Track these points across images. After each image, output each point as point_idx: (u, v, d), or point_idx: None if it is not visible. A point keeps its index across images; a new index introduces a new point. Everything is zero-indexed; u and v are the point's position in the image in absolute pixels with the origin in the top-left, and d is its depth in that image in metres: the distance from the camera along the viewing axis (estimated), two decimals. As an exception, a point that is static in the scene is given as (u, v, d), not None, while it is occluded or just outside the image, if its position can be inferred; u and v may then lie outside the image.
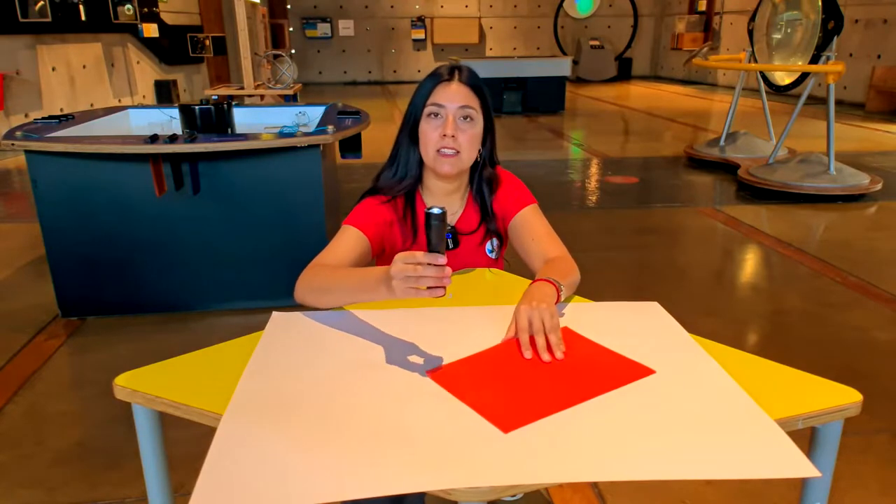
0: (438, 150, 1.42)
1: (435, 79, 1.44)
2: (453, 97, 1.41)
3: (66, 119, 3.39)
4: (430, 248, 1.02)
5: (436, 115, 1.42)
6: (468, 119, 1.43)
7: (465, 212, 1.55)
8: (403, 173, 1.49)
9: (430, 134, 1.43)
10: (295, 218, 3.10)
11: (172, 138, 2.82)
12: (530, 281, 1.44)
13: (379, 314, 1.28)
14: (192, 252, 3.10)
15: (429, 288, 1.02)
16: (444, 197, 1.53)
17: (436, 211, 1.00)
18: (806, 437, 1.00)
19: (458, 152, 1.43)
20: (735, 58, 7.37)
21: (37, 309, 3.21)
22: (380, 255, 1.50)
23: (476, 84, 1.45)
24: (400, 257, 1.03)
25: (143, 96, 10.67)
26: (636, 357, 1.10)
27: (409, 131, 1.47)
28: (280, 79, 6.41)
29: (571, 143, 8.22)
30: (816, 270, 3.73)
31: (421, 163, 1.49)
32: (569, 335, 1.17)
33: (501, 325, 1.20)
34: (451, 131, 1.40)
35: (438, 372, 1.06)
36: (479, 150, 1.49)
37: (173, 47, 10.86)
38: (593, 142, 8.09)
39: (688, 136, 8.23)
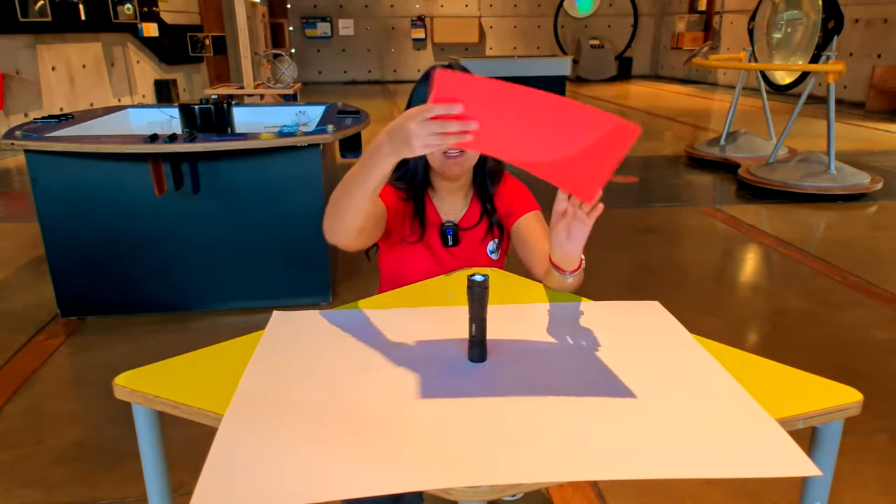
0: (445, 154, 1.44)
1: (429, 83, 1.44)
2: None
3: (65, 118, 3.39)
4: (472, 315, 1.04)
5: None
6: None
7: (469, 209, 1.57)
8: (411, 178, 1.52)
9: None
10: (295, 218, 3.10)
11: (172, 138, 2.82)
12: (531, 281, 1.44)
13: (379, 314, 1.27)
14: (192, 252, 3.10)
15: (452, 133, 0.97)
16: (450, 195, 1.56)
17: (479, 278, 1.02)
18: (806, 437, 1.00)
19: (463, 152, 1.44)
20: (735, 57, 7.36)
21: (37, 308, 3.21)
22: (387, 235, 1.51)
23: None
24: (413, 115, 0.98)
25: (143, 96, 10.67)
26: (636, 356, 1.10)
27: None
28: (280, 78, 6.41)
29: (571, 142, 8.20)
30: (817, 270, 3.73)
31: (426, 166, 1.51)
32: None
33: (501, 324, 1.19)
34: None
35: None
36: None
37: (173, 47, 10.85)
38: (593, 141, 8.07)
39: (688, 136, 8.23)
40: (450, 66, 1.47)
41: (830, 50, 5.07)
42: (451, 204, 1.57)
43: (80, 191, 2.95)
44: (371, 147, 1.10)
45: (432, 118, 0.97)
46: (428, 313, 1.28)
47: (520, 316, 1.26)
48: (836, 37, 5.04)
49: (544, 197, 1.58)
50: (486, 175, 1.56)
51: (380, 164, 1.09)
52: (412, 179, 1.52)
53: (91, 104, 9.09)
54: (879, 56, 10.33)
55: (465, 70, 1.48)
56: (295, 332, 1.20)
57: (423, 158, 1.50)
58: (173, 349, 1.13)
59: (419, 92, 1.45)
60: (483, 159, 1.54)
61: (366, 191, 1.17)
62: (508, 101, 0.97)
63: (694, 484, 1.96)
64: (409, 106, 1.47)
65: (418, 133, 0.98)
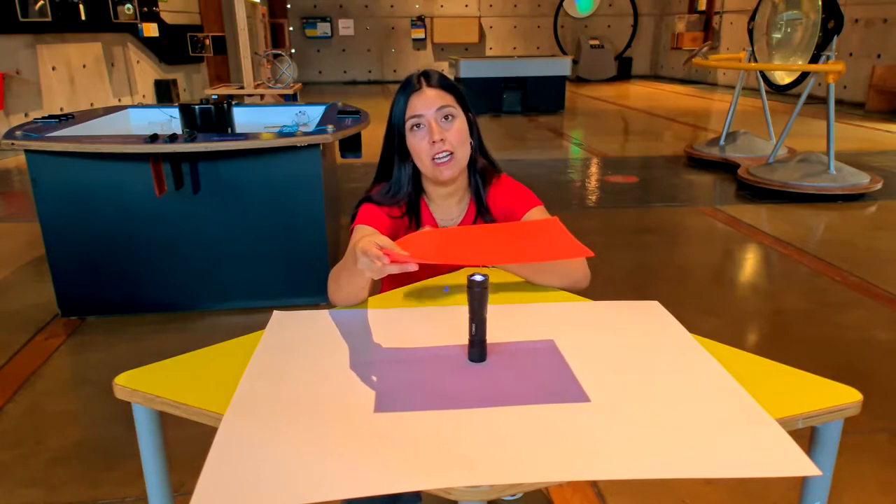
0: (433, 159, 1.43)
1: (406, 91, 1.45)
2: (429, 103, 1.42)
3: (66, 118, 3.39)
4: (471, 315, 1.04)
5: (418, 125, 1.43)
6: (449, 118, 1.44)
7: (467, 214, 1.56)
8: (397, 189, 1.51)
9: (419, 146, 1.44)
10: (295, 217, 3.11)
11: (172, 138, 2.82)
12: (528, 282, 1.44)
13: (379, 314, 1.28)
14: (191, 252, 3.10)
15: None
16: (444, 200, 1.55)
17: (479, 278, 1.02)
18: (806, 437, 1.00)
19: (451, 154, 1.43)
20: (735, 57, 7.37)
21: (37, 308, 3.21)
22: None
23: (446, 84, 1.47)
24: (370, 242, 1.05)
25: (143, 96, 10.67)
26: (636, 356, 1.10)
27: (397, 149, 1.48)
28: (280, 78, 6.41)
29: (571, 142, 8.22)
30: (816, 270, 3.73)
31: (413, 177, 1.51)
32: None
33: (501, 323, 1.20)
34: (439, 136, 1.41)
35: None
36: (470, 143, 1.50)
37: (173, 47, 10.86)
38: (593, 141, 8.09)
39: (688, 136, 8.23)
40: (425, 73, 1.47)
41: (830, 50, 5.07)
42: (447, 209, 1.56)
43: (80, 191, 2.95)
44: (349, 251, 1.21)
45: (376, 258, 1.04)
46: (428, 313, 1.28)
47: (520, 316, 1.26)
48: (836, 37, 5.04)
49: (543, 194, 1.59)
50: (478, 174, 1.55)
51: (357, 274, 1.15)
52: (398, 191, 1.51)
53: (91, 104, 9.09)
54: (879, 56, 10.33)
55: (431, 72, 1.49)
56: (295, 332, 1.20)
57: (409, 169, 1.49)
58: (173, 349, 1.13)
59: (397, 105, 1.45)
60: (474, 162, 1.53)
61: (357, 284, 1.25)
62: (472, 235, 1.15)
63: (694, 484, 1.96)
64: (391, 121, 1.47)
65: (369, 267, 1.05)
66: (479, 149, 1.55)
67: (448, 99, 1.44)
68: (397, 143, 1.47)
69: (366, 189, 1.56)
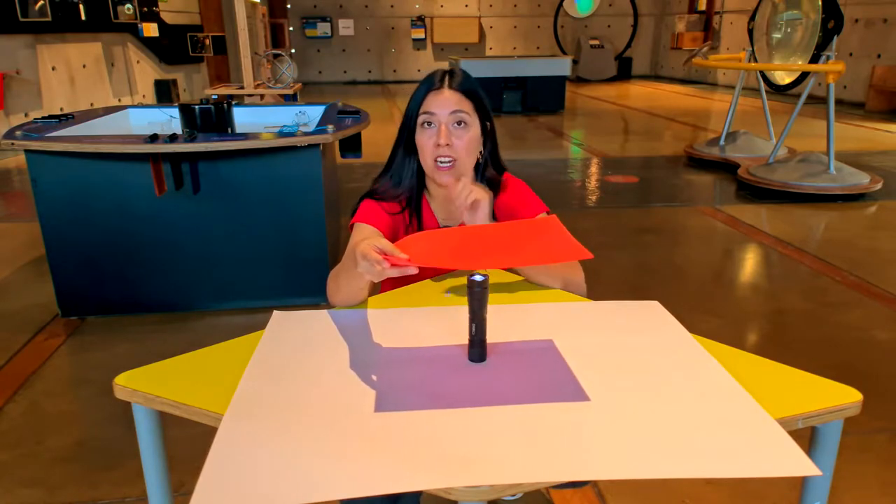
0: (436, 160, 1.43)
1: (426, 86, 1.44)
2: (444, 104, 1.41)
3: (66, 118, 3.39)
4: (472, 315, 1.04)
5: (429, 123, 1.42)
6: (462, 124, 1.42)
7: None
8: (398, 181, 1.51)
9: (426, 143, 1.43)
10: (295, 218, 3.10)
11: (172, 138, 2.82)
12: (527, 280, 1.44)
13: (379, 314, 1.28)
14: (192, 252, 3.10)
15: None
16: (447, 201, 1.54)
17: (479, 278, 1.02)
18: (806, 437, 1.00)
19: (454, 160, 1.43)
20: (735, 57, 7.37)
21: (37, 308, 3.21)
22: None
23: (468, 87, 1.44)
24: (369, 246, 1.06)
25: (143, 96, 10.67)
26: (636, 356, 1.10)
27: (405, 141, 1.48)
28: (280, 78, 6.41)
29: (571, 142, 8.21)
30: (816, 270, 3.73)
31: (418, 171, 1.51)
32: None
33: (500, 323, 1.20)
34: (445, 140, 1.40)
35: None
36: (481, 152, 1.49)
37: (173, 47, 10.86)
38: (593, 141, 8.09)
39: (688, 136, 8.23)
40: (450, 73, 1.47)
41: (830, 50, 5.07)
42: (449, 210, 1.55)
43: (80, 191, 2.95)
44: (349, 252, 1.23)
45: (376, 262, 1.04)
46: (428, 313, 1.28)
47: (520, 316, 1.26)
48: (836, 37, 5.04)
49: (543, 194, 1.58)
50: (485, 184, 1.53)
51: (357, 276, 1.15)
52: (398, 183, 1.51)
53: (91, 104, 9.09)
54: (879, 56, 10.33)
55: (456, 71, 1.48)
56: (295, 332, 1.20)
57: (414, 163, 1.49)
58: (173, 349, 1.13)
59: (415, 97, 1.45)
60: (482, 166, 1.52)
61: (356, 285, 1.26)
62: (472, 236, 1.15)
63: (694, 484, 1.96)
64: (406, 113, 1.46)
65: (369, 270, 1.06)
66: (490, 157, 1.53)
67: (465, 105, 1.42)
68: (406, 135, 1.47)
69: (372, 180, 1.56)
